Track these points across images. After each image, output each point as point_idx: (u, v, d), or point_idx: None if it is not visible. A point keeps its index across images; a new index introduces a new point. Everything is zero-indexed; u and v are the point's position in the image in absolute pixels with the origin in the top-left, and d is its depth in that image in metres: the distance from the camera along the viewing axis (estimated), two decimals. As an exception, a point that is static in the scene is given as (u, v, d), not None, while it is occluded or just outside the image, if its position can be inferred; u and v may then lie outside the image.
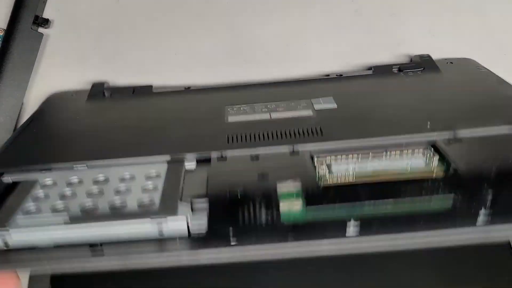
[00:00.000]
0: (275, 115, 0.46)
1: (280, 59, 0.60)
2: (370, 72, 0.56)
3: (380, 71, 0.55)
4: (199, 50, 0.60)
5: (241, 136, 0.42)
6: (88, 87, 0.57)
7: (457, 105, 0.45)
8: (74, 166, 0.39)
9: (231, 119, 0.46)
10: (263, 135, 0.42)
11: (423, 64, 0.56)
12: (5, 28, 0.57)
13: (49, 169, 0.39)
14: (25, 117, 0.57)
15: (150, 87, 0.55)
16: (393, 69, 0.56)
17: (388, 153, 0.39)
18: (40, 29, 0.58)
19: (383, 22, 0.60)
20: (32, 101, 0.58)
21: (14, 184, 0.38)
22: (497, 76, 0.51)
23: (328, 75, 0.57)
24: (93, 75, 0.59)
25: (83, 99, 0.54)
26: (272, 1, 0.60)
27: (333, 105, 0.47)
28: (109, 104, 0.52)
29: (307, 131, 0.42)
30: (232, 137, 0.42)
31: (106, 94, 0.55)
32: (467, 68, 0.55)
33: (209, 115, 0.47)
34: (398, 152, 0.39)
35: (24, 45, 0.57)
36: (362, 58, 0.60)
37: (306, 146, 0.40)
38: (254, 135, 0.42)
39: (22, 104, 0.57)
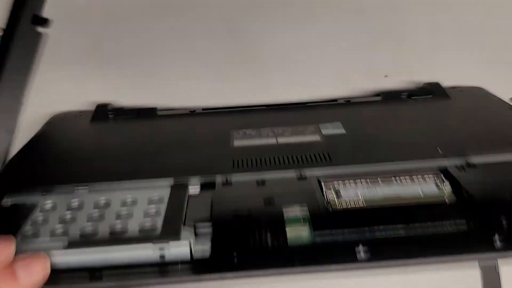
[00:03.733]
0: (281, 140, 0.45)
1: (286, 80, 0.60)
2: (378, 98, 0.55)
3: (389, 97, 0.55)
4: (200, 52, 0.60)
5: (247, 161, 0.41)
6: (88, 87, 0.57)
7: (468, 131, 0.44)
8: (76, 188, 0.38)
9: (237, 143, 0.45)
10: (270, 160, 0.41)
11: (432, 90, 0.55)
12: (4, 27, 0.54)
13: (50, 191, 0.38)
14: (24, 117, 0.57)
15: (155, 109, 0.55)
16: (402, 95, 0.55)
17: (398, 178, 0.37)
18: (40, 29, 0.55)
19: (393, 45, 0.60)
20: (33, 100, 0.57)
21: (14, 207, 0.37)
22: (508, 103, 0.50)
23: (335, 100, 0.56)
24: (92, 75, 0.58)
25: (87, 120, 0.53)
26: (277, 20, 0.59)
27: (341, 130, 0.47)
28: (113, 126, 0.51)
29: (315, 157, 0.41)
30: (238, 162, 0.41)
31: (110, 115, 0.54)
32: (477, 95, 0.54)
33: (214, 139, 0.47)
34: (408, 177, 0.37)
35: (23, 44, 0.54)
36: (370, 82, 0.59)
37: (313, 170, 0.39)
38: (260, 160, 0.41)
39: (22, 104, 0.56)
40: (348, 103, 0.55)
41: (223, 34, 0.59)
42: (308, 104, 0.55)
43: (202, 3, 0.58)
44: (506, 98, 0.58)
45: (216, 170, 0.40)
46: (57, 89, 0.58)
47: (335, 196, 0.36)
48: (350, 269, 0.29)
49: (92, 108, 0.57)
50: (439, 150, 0.40)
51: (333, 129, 0.47)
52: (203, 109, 0.55)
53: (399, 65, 0.60)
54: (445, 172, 0.38)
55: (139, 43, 0.59)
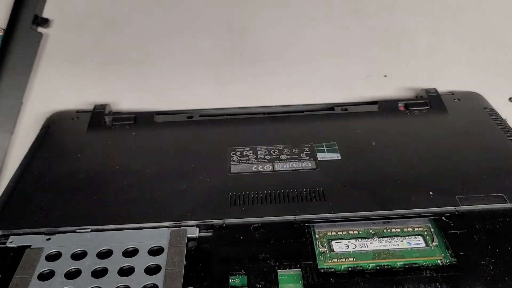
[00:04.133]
0: (278, 166, 0.46)
1: (285, 81, 0.60)
2: (375, 107, 0.55)
3: (386, 107, 0.55)
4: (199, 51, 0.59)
5: (244, 199, 0.42)
6: (87, 86, 0.57)
7: (461, 166, 0.45)
8: (77, 229, 0.40)
9: (234, 169, 0.46)
10: (266, 198, 0.42)
11: (429, 100, 0.55)
12: (4, 27, 0.56)
13: (54, 233, 0.39)
14: (24, 117, 0.57)
15: (152, 115, 0.55)
16: (399, 104, 0.55)
17: (389, 230, 0.39)
18: (40, 29, 0.57)
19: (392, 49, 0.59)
20: (33, 101, 0.58)
21: (20, 249, 0.38)
22: (506, 123, 0.51)
23: (333, 108, 0.56)
24: (92, 76, 0.58)
25: (84, 127, 0.53)
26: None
27: (337, 155, 0.47)
28: (110, 140, 0.51)
29: (309, 194, 0.42)
30: (235, 200, 0.42)
31: (107, 123, 0.54)
32: (473, 108, 0.54)
33: (213, 162, 0.47)
34: (399, 229, 0.39)
35: (23, 44, 0.56)
36: (370, 82, 0.59)
37: (307, 216, 0.40)
38: (257, 199, 0.42)
39: (21, 104, 0.56)
40: (345, 111, 0.55)
41: (223, 36, 0.58)
42: (305, 113, 0.55)
43: (202, 5, 0.57)
44: (503, 99, 0.59)
45: (213, 210, 0.41)
46: (56, 88, 0.58)
47: (327, 250, 0.37)
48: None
49: (90, 107, 0.56)
50: (431, 194, 0.42)
51: (329, 153, 0.48)
52: (201, 115, 0.55)
53: (398, 65, 0.60)
54: (434, 222, 0.39)
55: (139, 43, 0.59)
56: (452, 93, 0.57)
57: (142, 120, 0.54)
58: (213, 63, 0.59)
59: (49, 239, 0.39)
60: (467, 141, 0.48)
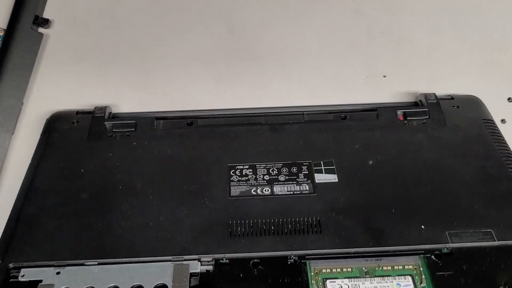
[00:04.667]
0: (277, 189, 0.48)
1: (285, 81, 0.59)
2: (374, 114, 0.55)
3: (384, 116, 0.55)
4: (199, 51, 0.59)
5: (243, 228, 0.44)
6: (87, 88, 0.57)
7: (455, 196, 0.46)
8: (85, 263, 0.42)
9: (234, 191, 0.47)
10: (264, 228, 0.44)
11: (428, 109, 0.55)
12: (5, 28, 0.57)
13: (62, 266, 0.42)
14: (24, 117, 0.57)
15: (152, 120, 0.55)
16: (398, 113, 0.55)
17: (381, 268, 0.41)
18: (40, 29, 0.58)
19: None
20: (33, 101, 0.58)
21: (31, 283, 0.41)
22: (503, 139, 0.52)
23: (332, 115, 0.56)
24: (92, 76, 0.58)
25: (84, 135, 0.53)
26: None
27: (334, 177, 0.48)
28: (112, 154, 0.52)
29: (307, 226, 0.44)
30: (235, 229, 0.44)
31: (108, 127, 0.54)
32: (472, 120, 0.54)
33: (213, 182, 0.48)
34: (390, 267, 0.41)
35: (24, 45, 0.57)
36: (369, 82, 0.59)
37: (304, 252, 0.42)
38: (256, 230, 0.44)
39: (22, 104, 0.57)
40: (344, 119, 0.55)
41: (223, 36, 0.58)
42: (304, 121, 0.55)
43: (202, 6, 0.57)
44: (502, 99, 0.59)
45: (214, 241, 0.43)
46: (56, 88, 0.58)
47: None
48: None
49: (90, 107, 0.56)
50: (422, 228, 0.44)
51: (326, 174, 0.49)
52: (200, 122, 0.55)
53: (397, 65, 0.60)
54: (426, 257, 0.41)
55: (139, 43, 0.59)
56: (452, 97, 0.57)
57: (142, 127, 0.54)
58: (213, 63, 0.59)
59: (58, 272, 0.41)
60: (462, 164, 0.49)
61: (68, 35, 0.58)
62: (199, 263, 0.42)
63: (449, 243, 0.42)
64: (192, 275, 0.41)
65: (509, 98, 0.59)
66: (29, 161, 0.51)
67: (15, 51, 0.56)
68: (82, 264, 0.42)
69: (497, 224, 0.44)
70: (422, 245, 0.42)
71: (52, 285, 0.40)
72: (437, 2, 0.59)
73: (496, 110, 0.57)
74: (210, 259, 0.42)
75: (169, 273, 0.41)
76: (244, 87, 0.59)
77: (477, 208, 0.45)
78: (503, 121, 0.57)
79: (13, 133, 0.56)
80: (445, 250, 0.42)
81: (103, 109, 0.56)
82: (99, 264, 0.42)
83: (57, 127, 0.55)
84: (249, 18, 0.58)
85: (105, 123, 0.54)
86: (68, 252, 0.43)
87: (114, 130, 0.54)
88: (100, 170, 0.50)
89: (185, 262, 0.42)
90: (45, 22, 0.58)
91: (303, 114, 0.57)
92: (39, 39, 0.57)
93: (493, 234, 0.43)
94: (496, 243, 0.42)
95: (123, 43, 0.58)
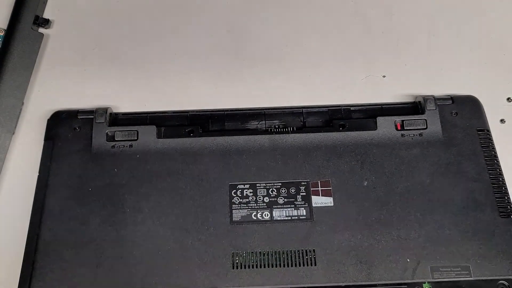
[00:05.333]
0: (276, 214, 0.51)
1: (284, 82, 0.59)
2: (372, 122, 0.56)
3: (383, 125, 0.56)
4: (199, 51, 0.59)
5: (245, 264, 0.48)
6: (88, 88, 0.58)
7: (441, 225, 0.50)
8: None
9: (235, 216, 0.51)
10: (264, 263, 0.48)
11: (426, 118, 0.56)
12: (5, 28, 0.57)
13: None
14: (25, 117, 0.58)
15: (153, 128, 0.55)
16: (396, 121, 0.56)
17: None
18: (41, 29, 0.58)
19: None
20: (33, 100, 0.58)
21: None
22: (495, 155, 0.54)
23: (331, 122, 0.56)
24: (92, 76, 0.58)
25: (88, 146, 0.55)
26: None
27: (330, 201, 0.52)
28: (116, 169, 0.53)
29: (302, 258, 0.48)
30: (237, 264, 0.48)
31: (110, 135, 0.55)
32: (467, 130, 0.55)
33: (215, 205, 0.51)
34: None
35: (24, 45, 0.57)
36: (369, 82, 0.59)
37: (299, 284, 0.47)
38: (257, 265, 0.48)
39: (22, 104, 0.57)
40: (343, 127, 0.56)
41: (222, 37, 0.58)
42: (303, 131, 0.56)
43: (202, 6, 0.57)
44: (501, 99, 0.60)
45: (217, 275, 0.48)
46: (56, 88, 0.58)
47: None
48: None
49: (90, 106, 0.57)
50: (408, 260, 0.48)
51: (323, 197, 0.52)
52: (202, 131, 0.56)
53: (397, 65, 0.60)
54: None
55: (139, 44, 0.59)
56: (451, 99, 0.57)
57: (144, 136, 0.55)
58: (213, 63, 0.58)
59: None
60: (452, 187, 0.52)
61: (68, 35, 0.58)
62: (203, 295, 0.47)
63: (430, 278, 0.47)
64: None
65: (508, 98, 0.59)
66: (30, 161, 0.54)
67: (15, 51, 0.57)
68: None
69: (475, 258, 0.48)
70: (406, 280, 0.47)
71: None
72: (436, 2, 0.58)
73: (496, 110, 0.58)
74: (213, 291, 0.47)
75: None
76: (243, 87, 0.59)
77: (459, 240, 0.49)
78: (502, 121, 0.58)
79: (13, 133, 0.57)
80: (426, 285, 0.47)
81: (103, 113, 0.56)
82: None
83: (60, 133, 0.55)
84: (249, 18, 0.57)
85: (107, 131, 0.55)
86: (86, 284, 0.47)
87: (116, 139, 0.55)
88: (107, 189, 0.52)
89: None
90: (46, 22, 0.58)
91: (302, 111, 0.57)
92: (39, 39, 0.57)
93: (470, 270, 0.47)
94: (472, 279, 0.47)
95: (123, 43, 0.58)
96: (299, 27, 0.58)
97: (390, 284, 0.47)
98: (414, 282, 0.47)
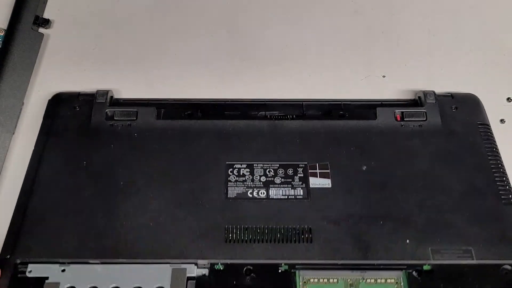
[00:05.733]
0: (272, 193, 0.50)
1: (284, 82, 0.60)
2: (372, 112, 0.56)
3: (383, 114, 0.55)
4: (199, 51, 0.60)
5: (238, 238, 0.46)
6: (88, 89, 0.57)
7: (441, 209, 0.48)
8: (89, 261, 0.45)
9: (231, 192, 0.49)
10: (259, 238, 0.46)
11: (426, 110, 0.55)
12: (5, 28, 0.57)
13: (68, 264, 0.45)
14: (25, 117, 0.58)
15: (153, 109, 0.55)
16: (396, 112, 0.56)
17: (365, 281, 0.44)
18: (41, 29, 0.58)
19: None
20: (33, 101, 0.58)
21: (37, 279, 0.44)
22: (495, 149, 0.53)
23: (330, 112, 0.56)
24: (93, 76, 0.59)
25: (87, 122, 0.54)
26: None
27: (328, 182, 0.50)
28: (113, 145, 0.53)
29: (298, 235, 0.46)
30: (231, 233, 0.46)
31: (109, 114, 0.55)
32: (468, 124, 0.55)
33: (211, 181, 0.50)
34: (373, 280, 0.45)
35: (24, 45, 0.57)
36: (368, 83, 0.59)
37: (295, 261, 0.45)
38: (251, 240, 0.46)
39: (22, 104, 0.57)
40: (343, 117, 0.56)
41: (223, 36, 0.59)
42: (303, 118, 0.56)
43: (202, 6, 0.57)
44: (501, 99, 0.60)
45: (211, 246, 0.46)
46: (56, 88, 0.58)
47: (308, 300, 0.44)
48: None
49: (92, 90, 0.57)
50: (407, 242, 0.46)
51: (321, 178, 0.51)
52: (201, 113, 0.56)
53: (397, 65, 0.60)
54: (408, 273, 0.45)
55: (139, 44, 0.59)
56: (451, 95, 0.58)
57: (143, 116, 0.55)
58: (213, 63, 0.59)
59: (64, 270, 0.44)
60: (453, 174, 0.51)
61: (68, 35, 0.59)
62: (196, 267, 0.45)
63: (430, 259, 0.45)
64: (189, 278, 0.44)
65: (508, 98, 0.59)
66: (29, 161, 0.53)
67: (15, 51, 0.57)
68: (86, 263, 0.45)
69: (477, 243, 0.46)
70: (405, 261, 0.45)
71: (57, 283, 0.43)
72: (436, 2, 0.59)
73: (495, 110, 0.58)
74: (206, 263, 0.45)
75: (167, 276, 0.44)
76: (243, 87, 0.59)
77: (461, 224, 0.47)
78: (502, 121, 0.58)
79: (13, 133, 0.56)
80: (426, 267, 0.45)
81: (105, 94, 0.56)
82: (101, 263, 0.45)
83: (59, 112, 0.55)
84: (249, 18, 0.59)
85: (107, 110, 0.55)
86: (72, 250, 0.45)
87: (115, 118, 0.55)
88: (102, 164, 0.51)
89: (182, 266, 0.45)
90: (46, 22, 0.58)
91: (302, 104, 0.57)
92: (39, 39, 0.57)
93: (473, 253, 0.45)
94: (474, 261, 0.45)
95: (123, 44, 0.59)
96: (299, 27, 0.59)
97: (389, 265, 0.45)
98: (414, 264, 0.45)
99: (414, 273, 0.45)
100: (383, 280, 0.45)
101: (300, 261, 0.45)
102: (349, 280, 0.45)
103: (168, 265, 0.45)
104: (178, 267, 0.45)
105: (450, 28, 0.60)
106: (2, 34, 0.56)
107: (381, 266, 0.45)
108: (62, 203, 0.48)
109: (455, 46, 0.60)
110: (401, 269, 0.45)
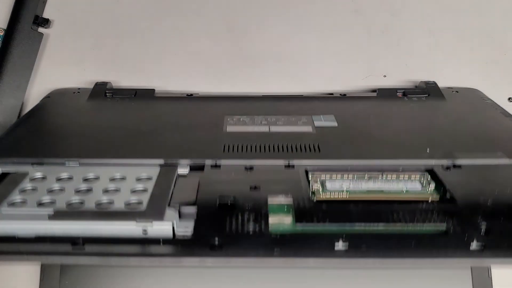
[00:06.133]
0: (274, 129, 0.46)
1: (284, 81, 0.60)
2: (374, 94, 0.55)
3: (385, 94, 0.55)
4: (199, 51, 0.60)
5: (238, 147, 0.41)
6: (88, 87, 0.57)
7: (458, 133, 0.45)
8: (66, 162, 0.39)
9: (230, 129, 0.46)
10: (260, 147, 0.41)
11: (428, 90, 0.55)
12: (5, 28, 0.57)
13: (41, 164, 0.38)
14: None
15: (152, 90, 0.55)
16: (398, 93, 0.55)
17: (385, 175, 0.38)
18: (40, 29, 0.58)
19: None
20: (33, 101, 0.58)
21: (4, 175, 0.37)
22: (502, 108, 0.51)
23: (331, 94, 0.56)
24: (92, 76, 0.59)
25: (85, 97, 0.53)
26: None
27: (334, 123, 0.47)
28: (110, 105, 0.52)
29: (305, 147, 0.41)
30: (229, 147, 0.41)
31: (108, 95, 0.54)
32: (471, 97, 0.54)
33: (208, 123, 0.47)
34: (394, 175, 0.38)
35: (24, 45, 0.57)
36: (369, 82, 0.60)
37: (302, 161, 0.39)
38: (251, 147, 0.41)
39: (22, 104, 0.57)
40: (344, 97, 0.55)
41: (222, 35, 0.60)
42: (303, 96, 0.55)
43: (202, 6, 0.59)
44: (502, 99, 0.59)
45: (206, 153, 0.40)
46: (56, 88, 0.59)
47: (320, 187, 0.36)
48: (328, 263, 0.30)
49: (91, 86, 0.57)
50: (428, 150, 0.41)
51: (326, 121, 0.47)
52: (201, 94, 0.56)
53: (398, 65, 0.61)
54: (431, 172, 0.38)
55: (139, 44, 0.60)
56: (451, 88, 0.58)
57: (142, 94, 0.54)
58: (213, 63, 0.60)
59: (35, 165, 0.38)
60: (465, 119, 0.48)
61: (68, 35, 0.59)
62: (188, 166, 0.39)
63: (458, 158, 0.39)
64: (180, 175, 0.38)
65: (509, 98, 0.59)
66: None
67: (15, 51, 0.56)
68: (63, 164, 0.39)
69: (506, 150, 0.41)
70: (429, 160, 0.39)
71: (26, 173, 0.37)
72: (437, 2, 0.60)
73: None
74: (201, 164, 0.39)
75: (155, 171, 0.38)
76: (243, 86, 0.59)
77: (482, 143, 0.43)
78: None
79: None
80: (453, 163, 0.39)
81: (104, 84, 0.57)
82: (80, 165, 0.39)
83: (60, 92, 0.55)
84: (249, 17, 0.60)
85: (106, 91, 0.55)
86: (48, 152, 0.40)
87: (114, 96, 0.54)
88: (95, 118, 0.49)
89: (173, 166, 0.39)
90: (45, 22, 0.58)
91: (302, 95, 0.57)
92: (39, 39, 0.57)
93: (502, 154, 0.40)
94: (508, 161, 0.39)
95: (123, 43, 0.60)
96: (299, 27, 0.60)
97: (410, 165, 0.39)
98: (438, 164, 0.39)
99: (441, 168, 0.39)
100: (406, 176, 0.38)
101: (309, 161, 0.39)
102: (366, 175, 0.38)
103: (157, 166, 0.39)
104: (167, 167, 0.39)
105: (451, 28, 0.60)
106: (1, 34, 0.57)
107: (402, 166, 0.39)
108: (46, 124, 0.45)
109: (456, 46, 0.61)
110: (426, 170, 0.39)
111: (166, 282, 0.40)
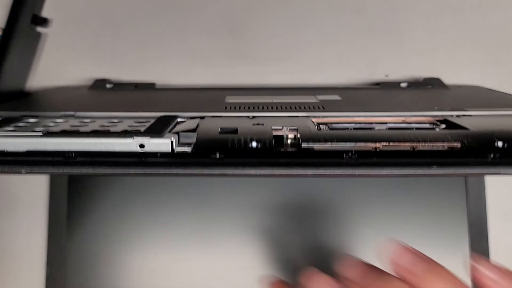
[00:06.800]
0: (277, 100, 0.45)
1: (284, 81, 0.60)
2: (377, 87, 0.55)
3: (388, 86, 0.54)
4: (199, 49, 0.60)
5: (240, 106, 0.40)
6: (87, 85, 0.57)
7: (464, 104, 0.43)
8: (62, 113, 0.38)
9: (231, 100, 0.45)
10: (263, 107, 0.40)
11: (431, 83, 0.55)
12: (3, 27, 0.55)
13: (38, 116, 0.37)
14: None
15: (153, 84, 0.55)
16: (401, 85, 0.55)
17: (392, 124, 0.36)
18: (39, 29, 0.57)
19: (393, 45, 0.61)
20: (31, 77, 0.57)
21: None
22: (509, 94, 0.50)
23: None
24: (92, 74, 0.59)
25: (85, 90, 0.53)
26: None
27: (337, 97, 0.46)
28: (110, 93, 0.51)
29: (309, 107, 0.40)
30: (231, 107, 0.40)
31: (108, 86, 0.54)
32: (477, 89, 0.54)
33: (209, 98, 0.46)
34: (403, 124, 0.37)
35: (22, 44, 0.55)
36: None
37: (306, 114, 0.38)
38: (253, 106, 0.40)
39: None
40: (346, 88, 0.55)
41: (222, 29, 0.60)
42: (306, 87, 0.55)
43: (202, 6, 0.59)
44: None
45: (206, 109, 0.39)
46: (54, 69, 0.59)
47: (325, 128, 0.35)
48: (336, 173, 0.28)
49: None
50: (435, 107, 0.40)
51: (330, 96, 0.47)
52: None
53: (399, 65, 0.60)
54: (442, 121, 0.37)
55: (139, 44, 0.60)
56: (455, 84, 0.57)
57: (143, 87, 0.54)
58: (213, 63, 0.60)
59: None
60: (470, 97, 0.48)
61: (67, 35, 0.59)
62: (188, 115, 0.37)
63: (469, 109, 0.38)
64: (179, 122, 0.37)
65: (513, 98, 0.59)
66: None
67: (13, 50, 0.54)
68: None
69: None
70: (439, 112, 0.38)
71: (20, 116, 0.36)
72: (439, 1, 0.59)
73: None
74: (201, 116, 0.38)
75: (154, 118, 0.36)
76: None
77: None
78: None
79: None
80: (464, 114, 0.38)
81: (104, 79, 0.57)
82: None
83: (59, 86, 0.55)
84: (249, 17, 0.60)
85: (106, 84, 0.55)
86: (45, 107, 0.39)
87: (114, 89, 0.54)
88: (96, 98, 0.48)
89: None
90: (44, 21, 0.56)
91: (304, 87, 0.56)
92: (37, 39, 0.56)
93: (515, 109, 0.39)
94: (519, 112, 0.38)
95: (122, 43, 0.60)
96: (300, 26, 0.60)
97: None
98: (448, 114, 0.38)
99: (452, 116, 0.37)
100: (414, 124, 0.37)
101: (315, 113, 0.38)
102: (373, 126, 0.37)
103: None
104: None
105: (454, 27, 0.60)
106: (0, 33, 0.55)
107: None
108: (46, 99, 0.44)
109: (458, 46, 0.60)
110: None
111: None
